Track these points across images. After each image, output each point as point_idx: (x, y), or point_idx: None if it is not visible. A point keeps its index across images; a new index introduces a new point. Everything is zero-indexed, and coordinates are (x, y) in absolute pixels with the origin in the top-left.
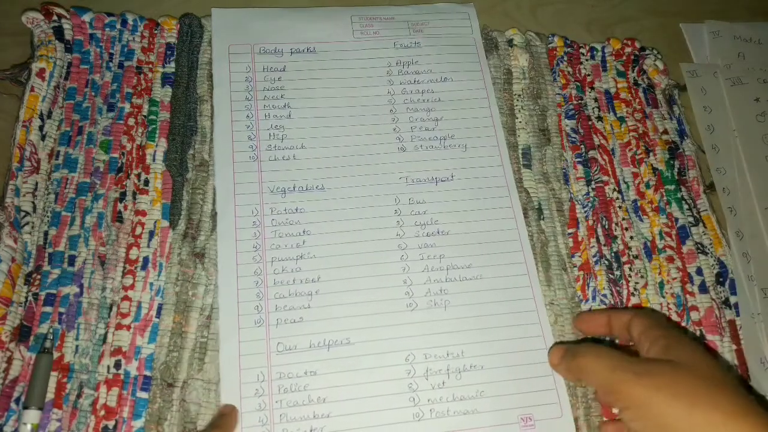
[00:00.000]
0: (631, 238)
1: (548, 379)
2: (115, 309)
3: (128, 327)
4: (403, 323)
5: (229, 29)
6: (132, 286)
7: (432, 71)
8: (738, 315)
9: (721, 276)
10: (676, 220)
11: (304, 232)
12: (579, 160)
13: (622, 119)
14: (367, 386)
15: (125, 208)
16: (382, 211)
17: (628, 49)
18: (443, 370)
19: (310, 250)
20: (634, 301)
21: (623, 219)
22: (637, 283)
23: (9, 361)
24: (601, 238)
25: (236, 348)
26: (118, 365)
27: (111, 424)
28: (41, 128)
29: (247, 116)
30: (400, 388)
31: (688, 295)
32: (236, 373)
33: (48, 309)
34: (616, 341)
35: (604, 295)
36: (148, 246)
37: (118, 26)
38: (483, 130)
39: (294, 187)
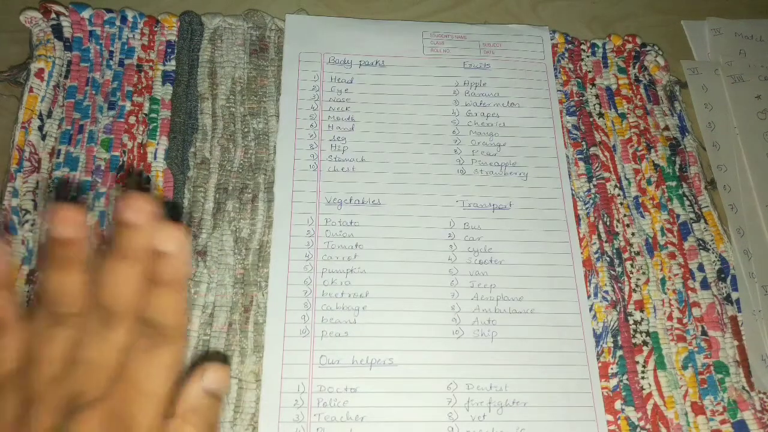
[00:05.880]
0: (633, 234)
1: (591, 425)
2: None
3: None
4: (448, 350)
5: (301, 36)
6: None
7: (499, 95)
8: (740, 311)
9: (723, 272)
10: (678, 216)
11: (356, 245)
12: (580, 156)
13: (623, 116)
14: (407, 410)
15: None
16: (436, 233)
17: (629, 46)
18: (485, 402)
19: (361, 265)
20: (635, 297)
21: (625, 215)
22: (638, 279)
23: None
24: (603, 235)
25: (280, 356)
26: None
27: None
28: (41, 128)
29: (311, 125)
30: (439, 416)
31: (689, 291)
32: (278, 382)
33: None
34: None
35: (606, 292)
36: None
37: (118, 23)
38: (546, 161)
39: (350, 200)
